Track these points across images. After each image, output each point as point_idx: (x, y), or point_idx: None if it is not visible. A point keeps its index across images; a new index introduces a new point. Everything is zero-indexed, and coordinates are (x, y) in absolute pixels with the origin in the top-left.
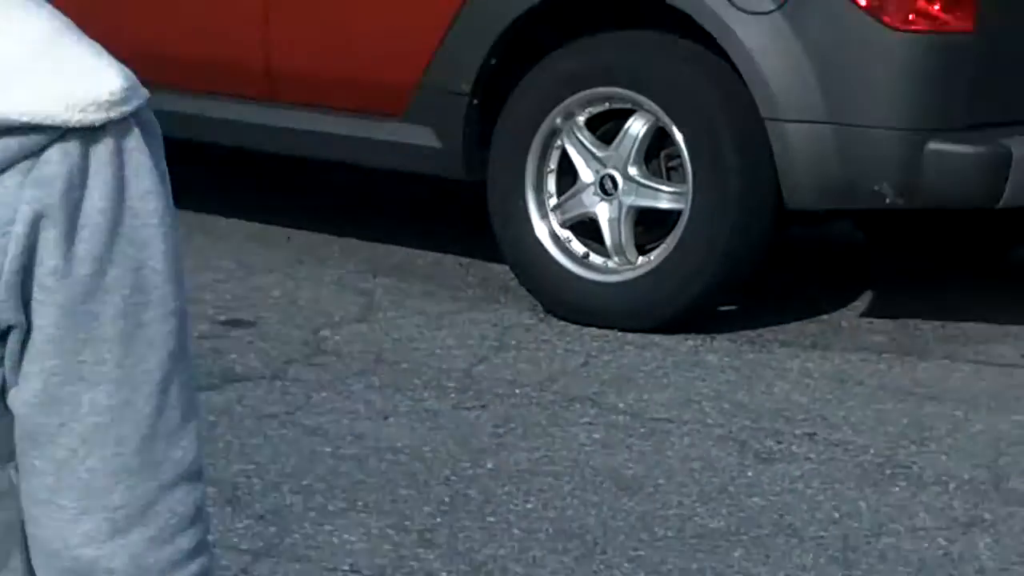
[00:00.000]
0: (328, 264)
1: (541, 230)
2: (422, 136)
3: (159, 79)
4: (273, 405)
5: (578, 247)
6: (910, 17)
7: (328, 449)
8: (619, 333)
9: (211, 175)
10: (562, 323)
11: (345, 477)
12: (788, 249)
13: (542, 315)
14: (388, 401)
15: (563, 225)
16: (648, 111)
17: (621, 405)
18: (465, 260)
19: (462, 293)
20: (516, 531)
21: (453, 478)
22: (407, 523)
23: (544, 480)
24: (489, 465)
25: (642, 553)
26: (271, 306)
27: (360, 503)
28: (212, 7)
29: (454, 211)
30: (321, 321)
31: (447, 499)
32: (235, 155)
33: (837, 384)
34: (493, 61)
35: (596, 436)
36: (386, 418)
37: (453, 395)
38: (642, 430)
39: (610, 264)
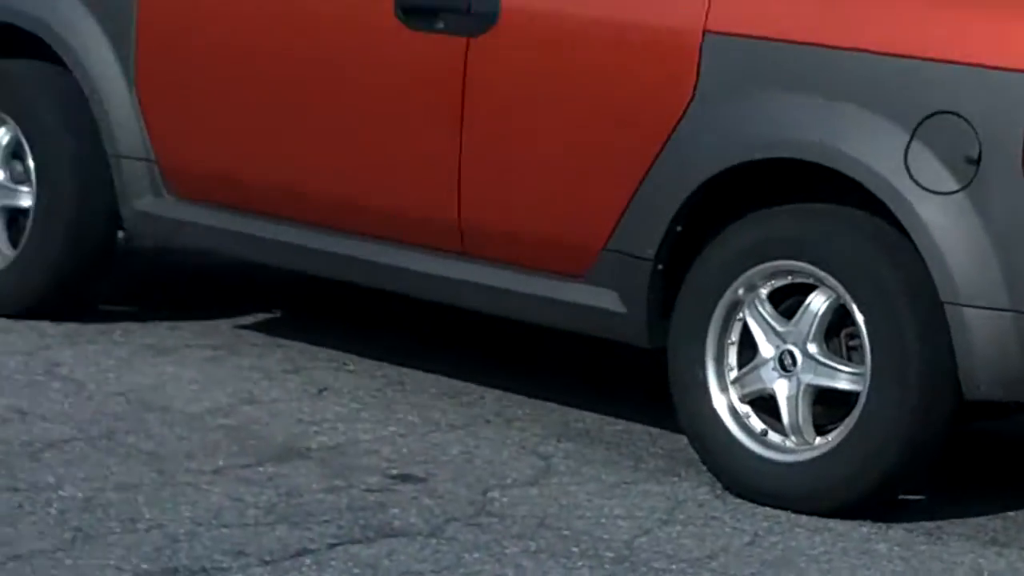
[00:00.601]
0: (514, 425)
1: (720, 403)
2: (607, 300)
3: (347, 226)
4: (422, 563)
5: (756, 423)
6: None
7: None
8: (792, 515)
9: (403, 327)
10: (737, 500)
11: None
12: (985, 439)
13: (719, 491)
14: (540, 567)
15: (742, 400)
16: (830, 288)
17: None
18: (655, 430)
19: (643, 464)
20: None
21: None
22: None
23: None
24: None
25: None
26: (446, 463)
27: None
28: (406, 163)
29: (647, 378)
30: (493, 482)
31: None
32: (431, 309)
33: None
34: (678, 228)
35: None
36: None
37: (608, 565)
38: None
39: (788, 443)
